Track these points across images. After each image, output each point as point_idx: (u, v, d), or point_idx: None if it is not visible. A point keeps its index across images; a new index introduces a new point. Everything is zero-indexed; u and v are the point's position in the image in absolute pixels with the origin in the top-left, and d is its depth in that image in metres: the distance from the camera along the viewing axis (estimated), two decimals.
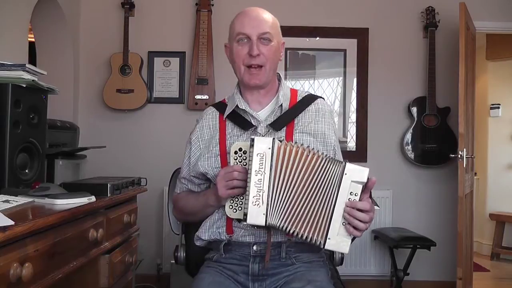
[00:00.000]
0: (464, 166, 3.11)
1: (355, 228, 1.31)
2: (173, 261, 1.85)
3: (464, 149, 3.10)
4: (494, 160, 5.08)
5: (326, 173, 1.33)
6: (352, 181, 1.31)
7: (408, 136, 3.62)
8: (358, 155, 3.63)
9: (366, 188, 1.33)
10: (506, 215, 4.87)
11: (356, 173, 1.31)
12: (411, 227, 3.56)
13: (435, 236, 3.39)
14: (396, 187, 3.66)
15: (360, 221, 1.30)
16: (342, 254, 1.75)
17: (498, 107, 5.07)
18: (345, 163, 1.32)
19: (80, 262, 1.48)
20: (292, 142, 1.39)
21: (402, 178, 3.68)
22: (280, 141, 1.36)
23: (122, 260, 1.84)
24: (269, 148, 1.33)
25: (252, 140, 1.34)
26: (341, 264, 1.75)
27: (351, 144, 3.70)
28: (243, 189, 1.36)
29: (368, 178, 1.32)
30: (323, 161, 1.33)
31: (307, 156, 1.34)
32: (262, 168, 1.33)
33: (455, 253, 3.20)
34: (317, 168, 1.33)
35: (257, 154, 1.33)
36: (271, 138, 1.35)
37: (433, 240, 3.31)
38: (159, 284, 3.50)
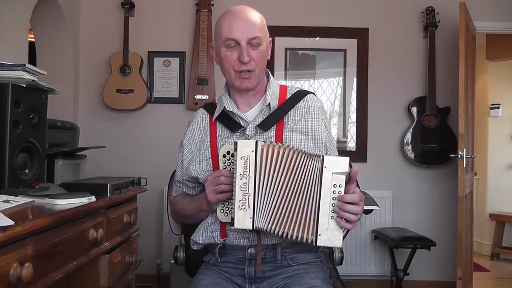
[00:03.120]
0: (464, 166, 3.11)
1: (346, 220, 1.28)
2: (173, 261, 1.84)
3: (464, 149, 3.10)
4: (494, 160, 5.07)
5: (306, 169, 1.31)
6: (333, 173, 1.28)
7: (408, 136, 3.62)
8: (358, 155, 3.63)
9: (350, 178, 1.31)
10: (506, 215, 4.87)
11: (336, 164, 1.29)
12: (411, 227, 3.56)
13: (435, 236, 3.40)
14: (396, 187, 3.66)
15: (351, 213, 1.28)
16: (342, 253, 1.75)
17: (498, 107, 5.07)
18: (323, 156, 1.30)
19: (80, 262, 1.48)
20: (276, 142, 1.37)
21: (402, 178, 3.68)
22: (264, 142, 1.35)
23: (122, 260, 1.84)
24: (253, 151, 1.32)
25: (236, 143, 1.33)
26: (341, 263, 1.74)
27: (351, 144, 3.70)
28: (231, 193, 1.35)
29: (350, 167, 1.29)
30: (302, 157, 1.32)
31: (288, 155, 1.32)
32: (246, 171, 1.32)
33: (455, 253, 3.20)
34: (297, 166, 1.32)
35: (241, 158, 1.32)
36: (255, 141, 1.33)
37: (433, 240, 3.31)
38: (159, 284, 3.50)
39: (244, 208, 1.32)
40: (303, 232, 1.31)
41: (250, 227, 1.33)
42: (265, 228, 1.33)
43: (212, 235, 1.49)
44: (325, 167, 1.29)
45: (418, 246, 3.30)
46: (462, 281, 3.08)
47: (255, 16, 1.48)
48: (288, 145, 1.35)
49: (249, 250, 1.44)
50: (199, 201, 1.50)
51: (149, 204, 3.45)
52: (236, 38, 1.44)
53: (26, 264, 1.11)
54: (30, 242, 1.17)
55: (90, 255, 1.56)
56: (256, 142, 1.33)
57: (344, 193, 1.29)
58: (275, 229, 1.32)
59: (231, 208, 1.36)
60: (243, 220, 1.32)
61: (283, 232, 1.32)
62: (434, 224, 3.65)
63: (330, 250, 1.83)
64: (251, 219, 1.32)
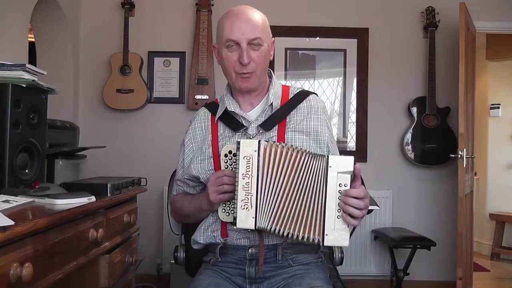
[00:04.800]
0: (464, 166, 3.11)
1: (351, 216, 1.28)
2: (173, 261, 1.84)
3: (464, 149, 3.10)
4: (494, 160, 5.08)
5: (311, 169, 1.31)
6: (338, 172, 1.28)
7: (408, 136, 3.62)
8: (358, 155, 3.63)
9: (355, 176, 1.31)
10: (506, 215, 4.87)
11: (340, 163, 1.29)
12: (411, 227, 3.56)
13: (435, 236, 3.40)
14: (396, 187, 3.66)
15: (356, 208, 1.27)
16: (342, 254, 1.75)
17: (498, 107, 5.07)
18: (328, 156, 1.30)
19: (80, 262, 1.48)
20: (278, 142, 1.37)
21: (402, 178, 3.68)
22: (267, 142, 1.34)
23: (122, 260, 1.84)
24: (255, 151, 1.32)
25: (238, 143, 1.33)
26: (341, 263, 1.75)
27: (351, 144, 3.70)
28: (233, 193, 1.35)
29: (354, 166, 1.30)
30: (307, 157, 1.32)
31: (291, 155, 1.32)
32: (249, 171, 1.32)
33: (455, 253, 3.20)
34: (302, 166, 1.32)
35: (244, 157, 1.32)
36: (257, 141, 1.33)
37: (433, 240, 3.31)
38: (159, 284, 3.50)
39: (247, 208, 1.32)
40: (309, 233, 1.30)
41: (252, 227, 1.32)
42: (267, 228, 1.32)
43: (213, 235, 1.49)
44: (330, 166, 1.29)
45: (418, 246, 3.29)
46: (462, 281, 3.08)
47: (257, 16, 1.47)
48: (292, 145, 1.35)
49: (249, 250, 1.44)
50: (199, 200, 1.50)
51: (149, 204, 3.45)
52: (236, 39, 1.43)
53: (26, 264, 1.11)
54: (30, 242, 1.17)
55: (90, 255, 1.56)
56: (259, 141, 1.33)
57: None
58: (278, 229, 1.32)
59: (233, 208, 1.36)
60: (245, 219, 1.32)
61: (288, 233, 1.31)
62: (434, 224, 3.65)
63: (330, 250, 1.83)
64: (254, 219, 1.32)
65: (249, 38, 1.43)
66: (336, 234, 1.29)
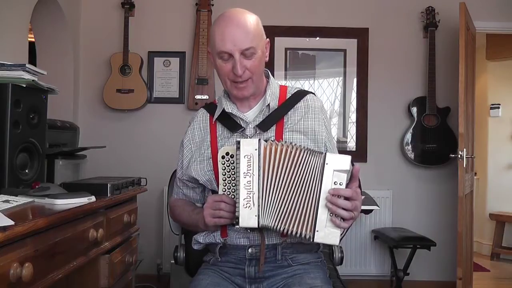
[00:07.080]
0: (464, 166, 3.11)
1: (343, 219, 1.28)
2: (173, 261, 1.84)
3: (464, 149, 3.10)
4: (494, 160, 5.08)
5: (308, 166, 1.32)
6: (334, 170, 1.29)
7: (408, 136, 3.62)
8: (358, 155, 3.63)
9: (353, 177, 1.31)
10: (506, 215, 4.87)
11: (337, 161, 1.29)
12: (411, 227, 3.56)
13: (435, 236, 3.40)
14: (396, 187, 3.66)
15: (344, 209, 1.27)
16: (342, 253, 1.75)
17: (498, 107, 5.07)
18: (325, 153, 1.31)
19: (80, 262, 1.48)
20: (278, 141, 1.38)
21: (402, 178, 3.68)
22: (266, 141, 1.35)
23: (122, 260, 1.84)
24: (256, 149, 1.32)
25: (238, 142, 1.33)
26: (341, 263, 1.74)
27: (351, 144, 3.70)
28: (229, 219, 1.37)
29: (352, 166, 1.30)
30: (304, 154, 1.32)
31: (291, 152, 1.33)
32: (250, 169, 1.32)
33: (455, 253, 3.20)
34: (300, 162, 1.32)
35: (244, 156, 1.32)
36: (257, 139, 1.34)
37: (433, 240, 3.31)
38: (159, 284, 3.50)
39: (249, 207, 1.32)
40: (301, 228, 1.31)
41: (256, 225, 1.32)
42: (270, 225, 1.33)
43: (212, 235, 1.49)
44: (326, 163, 1.29)
45: (418, 246, 3.29)
46: (462, 281, 3.08)
47: (248, 22, 1.43)
48: (291, 142, 1.36)
49: (249, 250, 1.44)
50: (198, 216, 1.49)
51: (149, 204, 3.45)
52: (228, 51, 1.40)
53: (26, 264, 1.11)
54: (30, 242, 1.17)
55: (90, 255, 1.56)
56: (259, 140, 1.34)
57: None
58: (278, 225, 1.32)
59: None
60: (248, 218, 1.32)
61: (284, 228, 1.32)
62: (434, 224, 3.65)
63: (330, 250, 1.83)
64: (256, 217, 1.32)
65: (241, 48, 1.40)
66: (327, 232, 1.29)
